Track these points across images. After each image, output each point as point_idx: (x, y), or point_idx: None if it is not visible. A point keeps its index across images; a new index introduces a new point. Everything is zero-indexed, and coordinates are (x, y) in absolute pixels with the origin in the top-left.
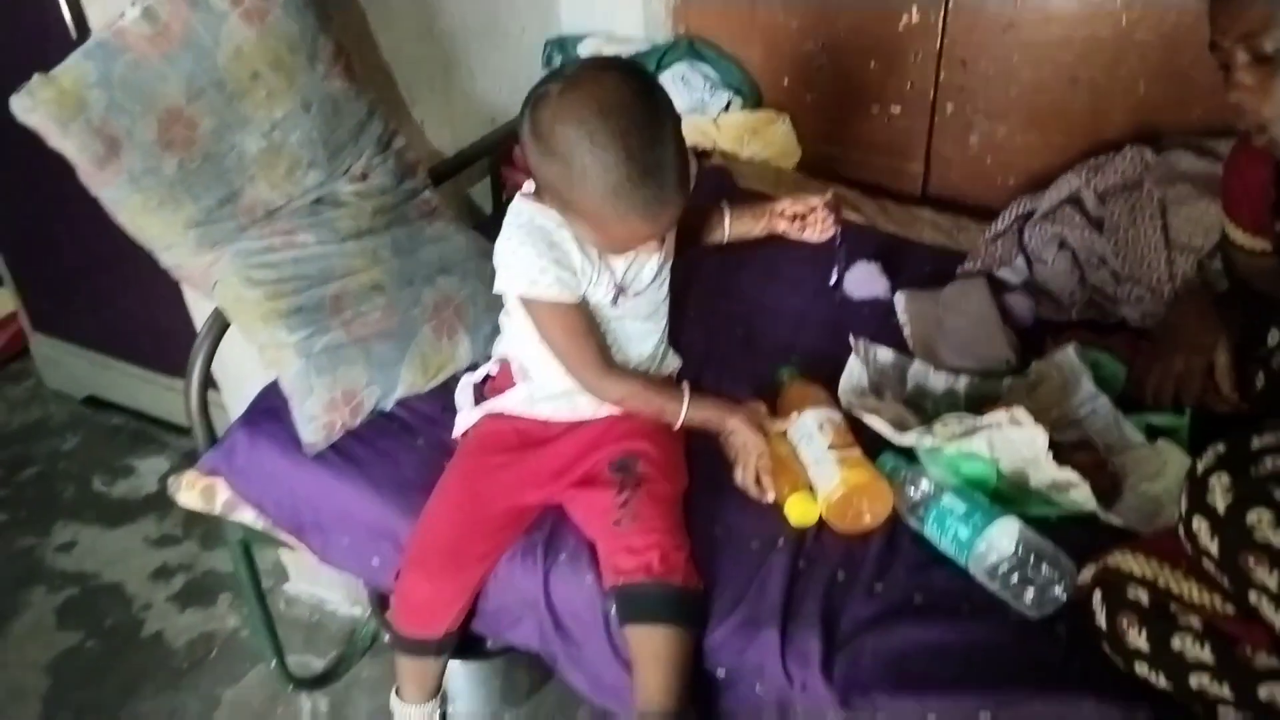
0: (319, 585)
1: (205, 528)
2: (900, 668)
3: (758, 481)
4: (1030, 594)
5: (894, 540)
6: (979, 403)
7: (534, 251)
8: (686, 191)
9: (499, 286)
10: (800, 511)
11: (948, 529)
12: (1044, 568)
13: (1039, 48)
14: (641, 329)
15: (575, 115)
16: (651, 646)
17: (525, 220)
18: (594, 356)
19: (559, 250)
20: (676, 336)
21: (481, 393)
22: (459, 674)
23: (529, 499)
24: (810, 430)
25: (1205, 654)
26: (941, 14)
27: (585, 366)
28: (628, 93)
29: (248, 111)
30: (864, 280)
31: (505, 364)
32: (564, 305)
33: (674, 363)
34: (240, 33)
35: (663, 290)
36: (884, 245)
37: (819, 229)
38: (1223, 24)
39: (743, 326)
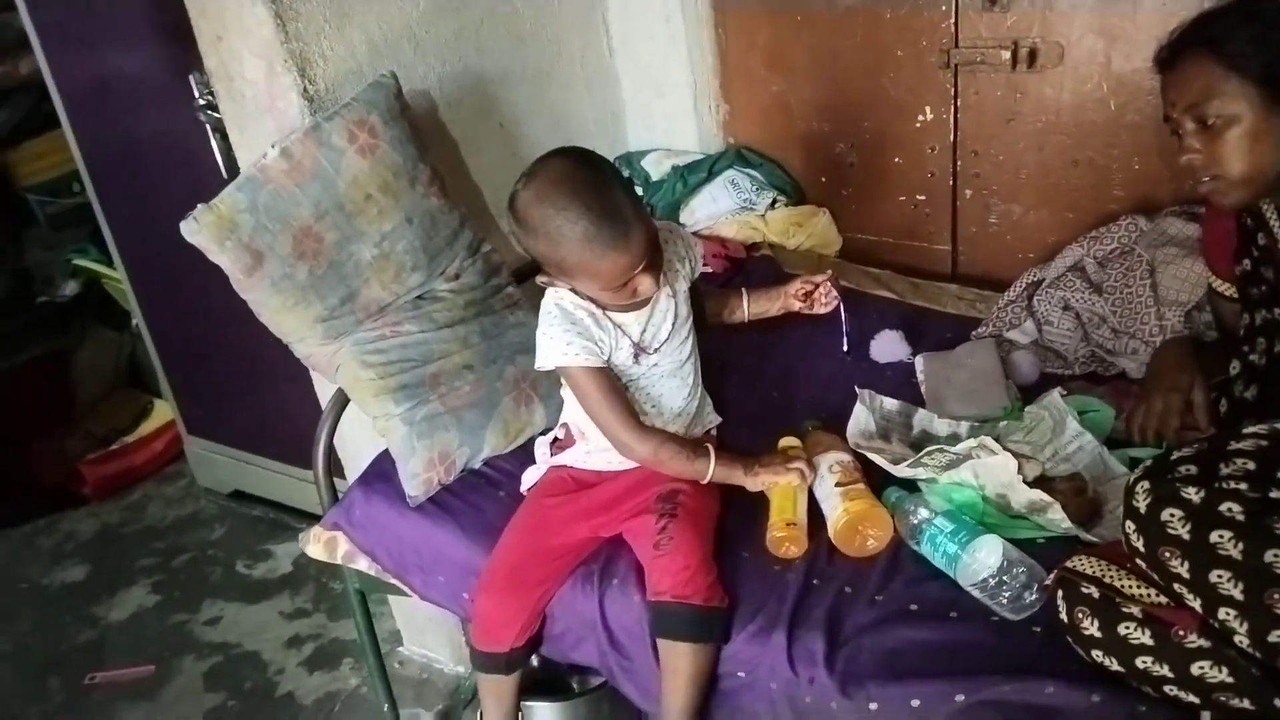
0: (428, 647)
1: (332, 602)
2: (892, 663)
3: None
4: (1007, 598)
5: (896, 560)
6: None
7: (559, 329)
8: (645, 219)
9: (538, 364)
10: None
11: (939, 546)
12: (1020, 576)
13: (1040, 135)
14: (669, 385)
15: (536, 196)
16: (674, 660)
17: (550, 307)
18: (623, 414)
19: (580, 325)
20: (722, 397)
21: (552, 451)
22: (542, 713)
23: (581, 532)
24: (822, 472)
25: (1146, 638)
26: (952, 111)
27: (616, 423)
28: (568, 165)
29: (362, 226)
30: (889, 346)
31: (567, 427)
32: (592, 369)
33: (713, 419)
34: (356, 164)
35: (685, 349)
36: (909, 316)
37: (823, 302)
38: (1171, 98)
39: (779, 389)
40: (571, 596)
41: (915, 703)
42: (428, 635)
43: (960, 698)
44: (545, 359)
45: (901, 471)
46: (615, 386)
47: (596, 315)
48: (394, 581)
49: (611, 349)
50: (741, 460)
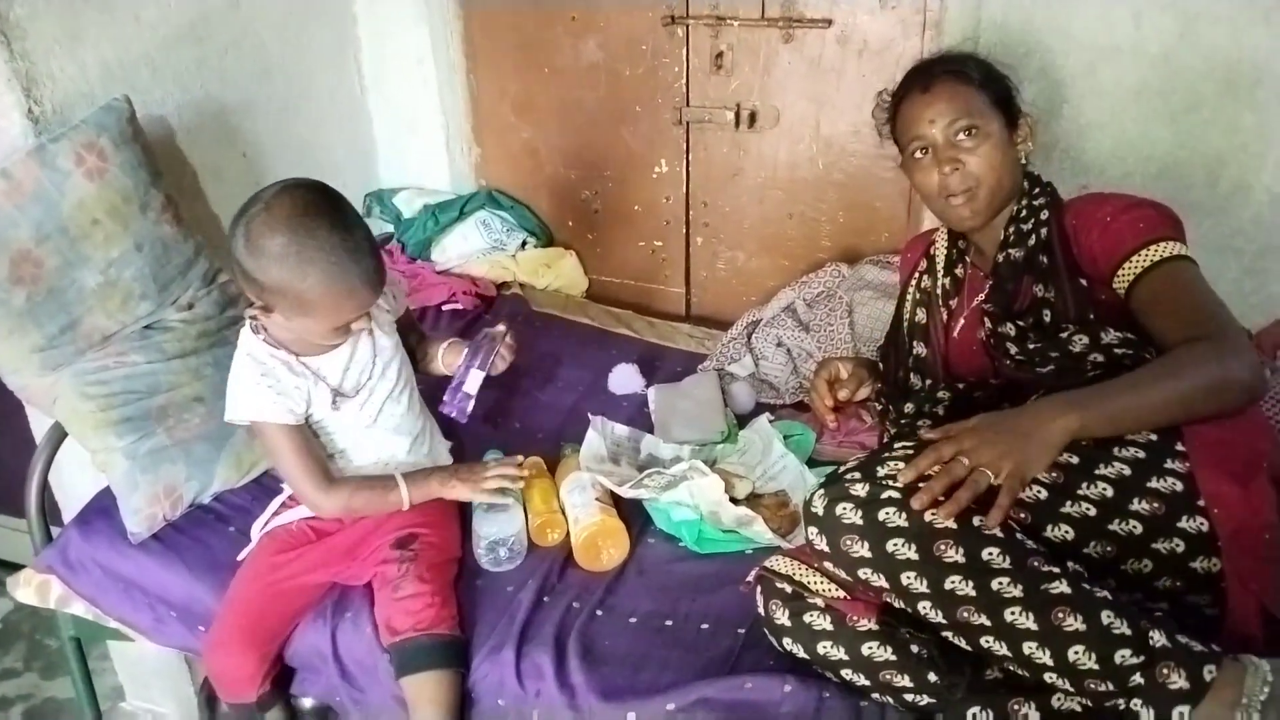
0: (153, 701)
1: (46, 660)
2: (611, 676)
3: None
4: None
5: (623, 574)
6: None
7: (251, 382)
8: (381, 258)
9: (228, 416)
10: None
11: None
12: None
13: (760, 189)
14: (391, 415)
15: (285, 224)
16: (426, 691)
17: (241, 357)
18: (312, 473)
19: (273, 376)
20: (471, 432)
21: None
22: None
23: (319, 578)
24: (585, 484)
25: (826, 624)
26: (684, 164)
27: (304, 481)
28: (314, 198)
29: (87, 252)
30: (625, 379)
31: None
32: (286, 427)
33: (444, 453)
34: (82, 187)
35: (397, 386)
36: (645, 352)
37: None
38: (930, 116)
39: (520, 421)
40: (305, 632)
41: (631, 716)
42: (153, 689)
43: (670, 706)
44: (235, 411)
45: (626, 492)
46: (306, 444)
47: (290, 363)
48: (116, 625)
49: (309, 398)
50: (436, 474)
